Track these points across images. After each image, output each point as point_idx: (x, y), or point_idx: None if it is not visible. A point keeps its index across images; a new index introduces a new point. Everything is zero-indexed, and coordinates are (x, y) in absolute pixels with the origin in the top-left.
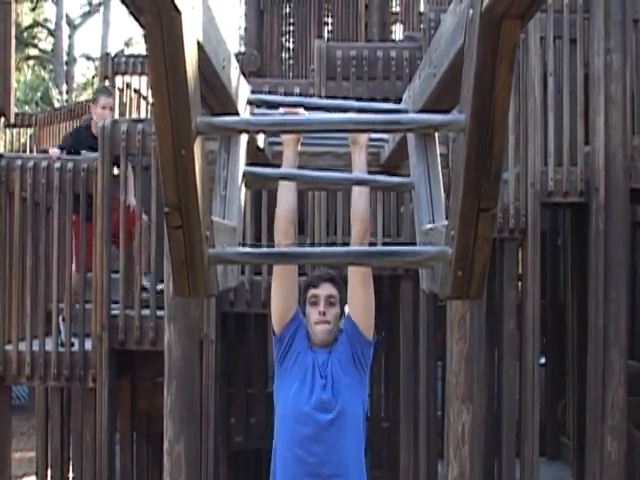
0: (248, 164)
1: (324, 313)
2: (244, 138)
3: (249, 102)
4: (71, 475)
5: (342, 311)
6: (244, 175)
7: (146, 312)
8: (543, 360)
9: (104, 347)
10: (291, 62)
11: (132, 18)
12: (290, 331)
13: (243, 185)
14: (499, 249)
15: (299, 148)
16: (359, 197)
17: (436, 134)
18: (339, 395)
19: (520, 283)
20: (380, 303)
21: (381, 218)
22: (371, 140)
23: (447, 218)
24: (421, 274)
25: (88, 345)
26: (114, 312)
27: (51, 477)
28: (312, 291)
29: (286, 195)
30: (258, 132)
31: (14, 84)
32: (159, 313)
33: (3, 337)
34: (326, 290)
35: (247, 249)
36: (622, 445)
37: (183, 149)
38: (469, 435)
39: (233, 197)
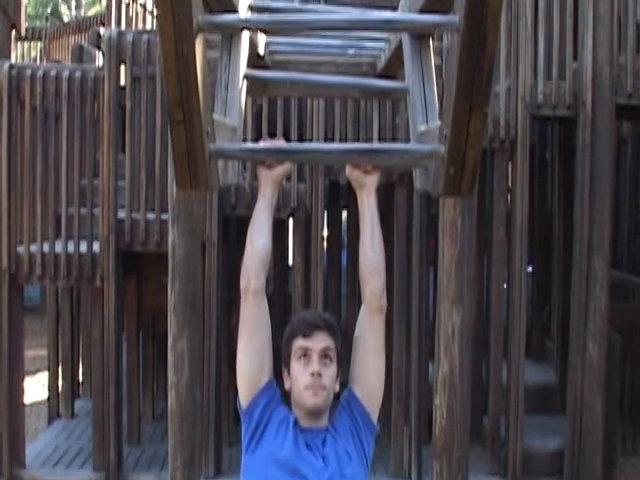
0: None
1: (319, 374)
2: (245, 42)
3: (250, 7)
4: (80, 371)
5: (339, 371)
6: (245, 77)
7: (151, 216)
8: (530, 268)
9: (111, 249)
10: None
11: None
12: (261, 403)
13: (244, 88)
14: (489, 159)
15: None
16: (372, 248)
17: (431, 42)
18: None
19: (509, 194)
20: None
21: (377, 128)
22: (367, 49)
23: (440, 119)
24: (415, 175)
25: (96, 247)
26: (120, 216)
27: (62, 373)
28: (300, 342)
29: (259, 230)
30: (258, 30)
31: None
32: (164, 216)
33: (15, 239)
34: (321, 342)
35: (247, 144)
36: (603, 348)
37: (185, 45)
38: (459, 335)
39: (234, 98)
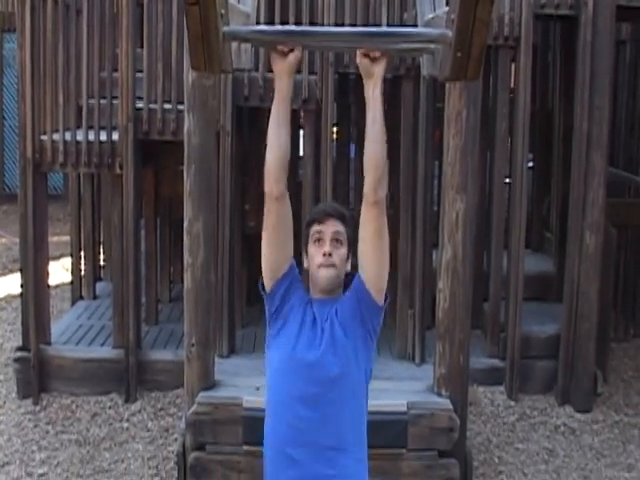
0: None
1: (330, 254)
2: None
3: None
4: (101, 255)
5: (349, 254)
6: None
7: (168, 106)
8: (531, 162)
9: (129, 137)
10: None
11: None
12: (284, 286)
13: None
14: (494, 56)
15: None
16: (374, 140)
17: None
18: (339, 356)
19: (512, 92)
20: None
21: (385, 23)
22: None
23: (448, 5)
24: (422, 62)
25: (115, 136)
26: (139, 106)
27: (84, 257)
28: (315, 227)
29: (277, 134)
30: None
31: None
32: (180, 107)
33: (38, 128)
34: (332, 226)
35: (260, 27)
36: (599, 239)
37: None
38: (462, 222)
39: None
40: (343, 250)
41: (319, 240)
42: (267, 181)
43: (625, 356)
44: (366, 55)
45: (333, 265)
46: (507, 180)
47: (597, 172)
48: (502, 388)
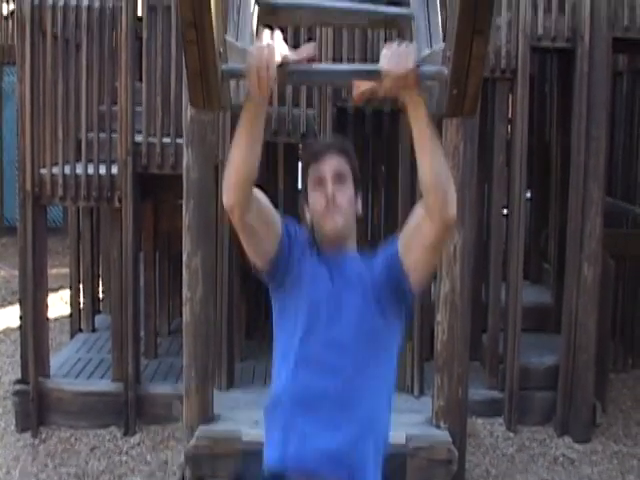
0: None
1: (333, 198)
2: None
3: None
4: (100, 288)
5: (358, 192)
6: (256, 2)
7: (167, 140)
8: (529, 194)
9: (129, 171)
10: None
11: None
12: (281, 258)
13: (255, 13)
14: (491, 88)
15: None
16: (431, 161)
17: None
18: (366, 321)
19: (510, 123)
20: (381, 136)
21: None
22: None
23: (444, 42)
24: None
25: (114, 170)
26: (138, 140)
27: (83, 290)
28: (313, 167)
29: (242, 143)
30: None
31: None
32: (179, 141)
33: (38, 162)
34: (333, 163)
35: None
36: (597, 270)
37: None
38: (460, 255)
39: (246, 22)
40: (349, 190)
41: (319, 182)
42: (227, 196)
43: (624, 387)
44: (391, 81)
45: (339, 211)
46: (505, 212)
47: (594, 203)
48: (501, 420)
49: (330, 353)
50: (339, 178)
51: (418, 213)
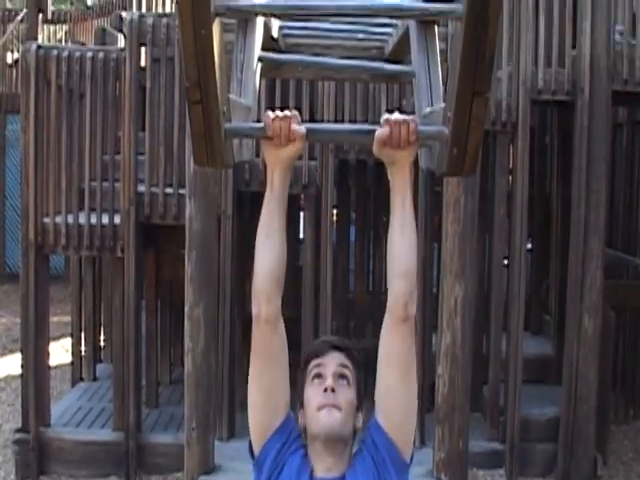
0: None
1: (332, 390)
2: (260, 26)
3: None
4: (102, 337)
5: (360, 405)
6: (259, 60)
7: (169, 190)
8: (530, 245)
9: (131, 221)
10: None
11: None
12: (274, 449)
13: (258, 70)
14: (492, 141)
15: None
16: (400, 235)
17: (436, 29)
18: None
19: (510, 175)
20: (382, 186)
21: (385, 111)
22: (375, 34)
23: (445, 102)
24: (420, 155)
25: (117, 220)
26: (140, 190)
27: (84, 338)
28: (314, 362)
29: (268, 244)
30: (273, 15)
31: None
32: (181, 191)
33: (41, 211)
34: (335, 359)
35: (261, 124)
36: (598, 322)
37: (203, 29)
38: (461, 308)
39: (249, 79)
40: (350, 392)
41: (318, 376)
42: (255, 300)
43: (625, 438)
44: (385, 143)
45: (338, 408)
46: (506, 262)
47: (595, 255)
48: (502, 471)
49: None
50: (341, 376)
51: (380, 370)
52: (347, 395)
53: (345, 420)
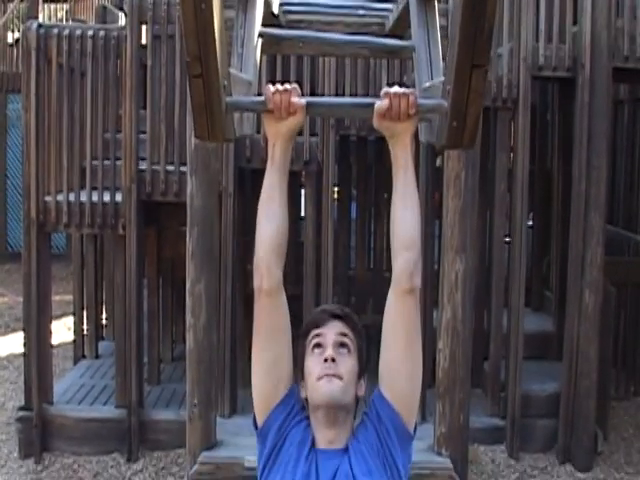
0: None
1: (332, 360)
2: (260, 2)
3: None
4: (104, 314)
5: (362, 372)
6: (260, 35)
7: (171, 167)
8: (531, 222)
9: (133, 199)
10: None
11: None
12: (278, 420)
13: (259, 45)
14: (493, 118)
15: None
16: (402, 208)
17: (436, 3)
18: None
19: (511, 151)
20: (383, 163)
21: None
22: (376, 10)
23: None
24: (420, 129)
25: (119, 197)
26: (142, 167)
27: (86, 317)
28: (314, 332)
29: (270, 214)
30: None
31: None
32: (182, 168)
33: (43, 190)
34: (336, 328)
35: (261, 97)
36: (598, 298)
37: (203, 3)
38: (461, 282)
39: (249, 54)
40: (351, 361)
41: (318, 346)
42: (257, 271)
43: (625, 414)
44: (384, 116)
45: (339, 376)
46: (507, 239)
47: (595, 231)
48: (503, 447)
49: None
50: (342, 345)
51: (384, 333)
52: (348, 364)
53: (346, 388)
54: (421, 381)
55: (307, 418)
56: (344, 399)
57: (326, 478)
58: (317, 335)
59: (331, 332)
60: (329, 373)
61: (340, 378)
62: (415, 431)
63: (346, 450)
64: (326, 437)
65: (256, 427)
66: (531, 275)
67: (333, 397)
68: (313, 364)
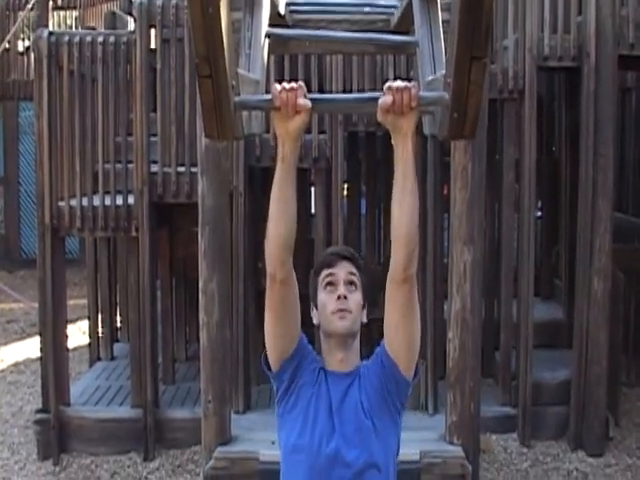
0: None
1: (345, 297)
2: (266, 3)
3: None
4: (118, 317)
5: (365, 301)
6: (267, 36)
7: (182, 169)
8: (539, 213)
9: (145, 201)
10: None
11: None
12: (292, 365)
13: (266, 45)
14: (499, 109)
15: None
16: (405, 209)
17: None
18: (363, 445)
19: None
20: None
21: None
22: (381, 7)
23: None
24: (424, 121)
25: (131, 200)
26: (153, 170)
27: (101, 320)
28: (326, 271)
29: (280, 210)
30: None
31: None
32: (193, 169)
33: (56, 195)
34: (345, 268)
35: (269, 96)
36: (607, 285)
37: (210, 6)
38: (470, 273)
39: (257, 55)
40: (358, 295)
41: (331, 284)
42: (270, 262)
43: (637, 400)
44: (388, 110)
45: (350, 311)
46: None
47: (603, 219)
48: (515, 435)
49: (336, 471)
50: (350, 283)
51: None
52: (355, 298)
53: (355, 319)
54: (419, 339)
55: (317, 356)
56: (354, 328)
57: (336, 396)
58: (329, 274)
59: (342, 272)
60: (342, 308)
61: (350, 312)
62: (416, 375)
63: (353, 375)
64: (337, 357)
65: (269, 368)
66: (540, 264)
67: (346, 329)
68: (327, 300)
